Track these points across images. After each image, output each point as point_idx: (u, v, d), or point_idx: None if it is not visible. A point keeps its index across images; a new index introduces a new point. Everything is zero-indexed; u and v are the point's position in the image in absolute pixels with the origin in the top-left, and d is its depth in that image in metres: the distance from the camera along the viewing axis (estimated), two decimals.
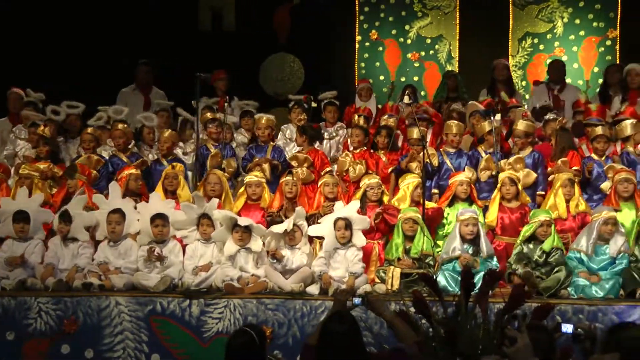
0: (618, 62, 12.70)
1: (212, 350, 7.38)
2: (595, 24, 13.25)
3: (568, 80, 12.52)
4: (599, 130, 9.45)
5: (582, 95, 11.71)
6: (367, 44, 13.83)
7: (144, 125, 10.51)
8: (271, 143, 10.11)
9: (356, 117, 10.63)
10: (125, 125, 10.14)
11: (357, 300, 5.90)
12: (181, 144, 10.55)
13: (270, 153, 9.95)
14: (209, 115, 10.45)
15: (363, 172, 9.49)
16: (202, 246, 8.31)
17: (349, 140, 10.33)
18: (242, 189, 9.17)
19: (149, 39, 12.83)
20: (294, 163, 9.66)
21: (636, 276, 7.64)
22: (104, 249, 8.31)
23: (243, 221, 8.18)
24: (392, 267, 8.00)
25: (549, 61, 12.64)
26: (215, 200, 8.61)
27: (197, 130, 9.66)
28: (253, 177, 9.13)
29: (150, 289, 7.79)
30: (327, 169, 9.70)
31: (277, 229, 8.15)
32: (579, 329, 5.20)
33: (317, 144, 10.34)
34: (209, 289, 7.88)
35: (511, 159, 9.30)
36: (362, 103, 11.52)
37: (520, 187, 8.76)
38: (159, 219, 8.26)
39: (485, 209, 8.83)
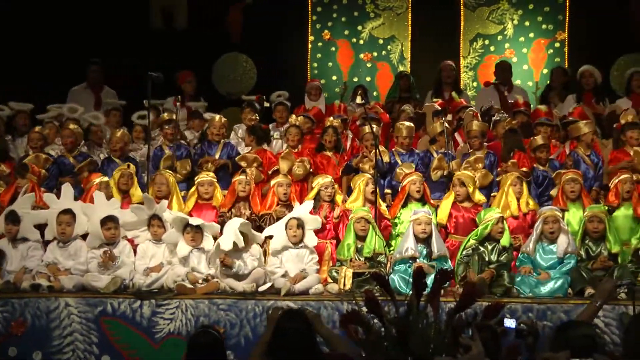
0: (567, 64, 12.91)
1: (164, 351, 7.34)
2: (544, 26, 13.42)
3: (517, 82, 12.67)
4: (539, 140, 9.49)
5: (525, 97, 11.85)
6: (319, 44, 13.85)
7: (91, 124, 10.40)
8: (223, 140, 10.07)
9: (294, 117, 10.65)
10: (77, 126, 10.03)
11: None
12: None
13: (220, 150, 9.92)
14: (165, 116, 10.39)
15: (307, 169, 9.51)
16: (153, 247, 8.26)
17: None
18: (193, 189, 9.13)
19: (101, 38, 12.71)
20: (242, 163, 9.63)
21: (584, 275, 7.75)
22: (53, 250, 8.20)
23: (194, 221, 8.15)
24: (344, 267, 8.02)
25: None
26: (165, 202, 8.56)
27: (149, 131, 9.59)
28: (205, 176, 9.10)
29: (101, 290, 7.71)
30: (275, 168, 9.70)
31: (226, 244, 8.09)
32: (521, 325, 5.26)
33: (265, 145, 10.31)
34: (160, 290, 7.83)
35: (471, 158, 9.38)
36: (312, 103, 11.53)
37: (471, 188, 8.80)
38: (110, 222, 8.17)
39: (438, 208, 8.89)
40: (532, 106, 11.29)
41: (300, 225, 8.15)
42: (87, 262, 8.09)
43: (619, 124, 9.86)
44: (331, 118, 10.62)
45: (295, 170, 9.50)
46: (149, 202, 8.41)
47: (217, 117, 10.22)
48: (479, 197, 8.82)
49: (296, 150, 9.94)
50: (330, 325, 7.05)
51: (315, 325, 5.61)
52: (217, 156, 9.86)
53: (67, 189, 8.73)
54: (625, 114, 9.96)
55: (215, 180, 9.15)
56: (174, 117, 10.20)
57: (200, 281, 7.88)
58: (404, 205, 8.91)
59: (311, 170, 9.56)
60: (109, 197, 8.80)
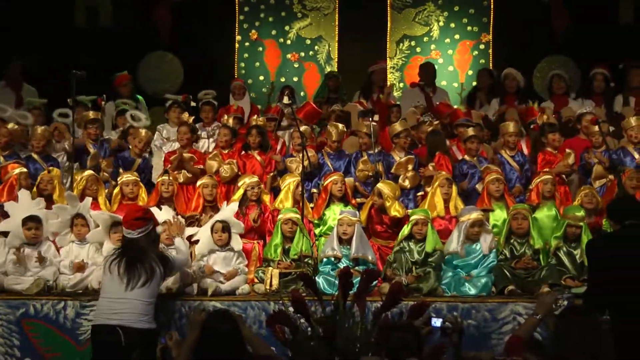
0: (491, 65, 13.11)
1: (89, 353, 7.21)
2: (469, 28, 13.62)
3: (443, 82, 12.83)
4: (470, 131, 9.72)
5: (448, 98, 12.03)
6: (247, 43, 13.82)
7: (17, 123, 10.19)
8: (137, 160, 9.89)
9: (225, 116, 10.62)
10: (15, 126, 9.84)
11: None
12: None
13: (137, 166, 9.78)
14: (91, 114, 10.25)
15: (235, 172, 9.48)
16: (77, 247, 8.08)
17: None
18: (117, 189, 9.02)
19: (25, 35, 12.47)
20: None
21: (507, 273, 7.86)
22: None
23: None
24: (270, 268, 8.01)
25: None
26: (89, 200, 8.41)
27: (73, 130, 9.44)
28: (129, 175, 9.00)
29: (23, 292, 7.56)
30: (200, 167, 9.65)
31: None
32: (446, 323, 5.33)
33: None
34: (85, 291, 7.69)
35: (403, 159, 9.46)
36: (236, 102, 11.50)
37: (388, 202, 8.75)
38: (31, 222, 7.96)
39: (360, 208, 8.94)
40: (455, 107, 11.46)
41: (226, 228, 8.11)
42: (5, 263, 7.88)
43: (537, 125, 10.06)
44: (255, 117, 10.61)
45: (222, 173, 9.47)
46: (73, 200, 8.27)
47: (143, 132, 10.03)
48: (394, 212, 8.62)
49: (226, 151, 9.89)
50: (257, 325, 7.06)
51: (238, 326, 5.61)
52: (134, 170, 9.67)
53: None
54: (542, 115, 10.17)
55: (140, 179, 9.07)
56: (99, 116, 10.06)
57: None
58: (327, 206, 8.95)
59: (239, 172, 9.53)
60: (28, 187, 8.70)
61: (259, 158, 9.89)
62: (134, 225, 6.82)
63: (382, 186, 8.69)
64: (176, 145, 10.15)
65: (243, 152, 10.00)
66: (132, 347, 6.46)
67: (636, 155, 9.35)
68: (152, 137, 10.21)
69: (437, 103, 11.46)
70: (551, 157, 9.56)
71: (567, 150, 9.51)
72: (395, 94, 13.05)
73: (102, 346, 6.53)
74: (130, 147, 9.94)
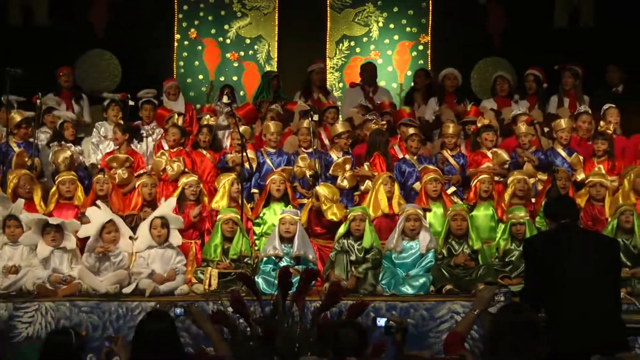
0: (430, 66, 13.22)
1: (22, 356, 7.10)
2: (408, 29, 13.70)
3: (382, 83, 12.89)
4: (411, 129, 9.79)
5: (390, 98, 12.09)
6: (186, 42, 13.71)
7: None
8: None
9: (176, 115, 10.55)
10: None
11: (178, 311, 5.81)
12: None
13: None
14: (17, 117, 10.01)
15: (181, 170, 9.42)
16: (10, 249, 7.95)
17: (163, 139, 10.19)
18: (54, 188, 8.89)
19: None
20: (114, 164, 9.45)
21: (445, 273, 7.94)
22: None
23: (54, 220, 7.94)
24: (209, 268, 7.98)
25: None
26: (21, 201, 8.27)
27: (8, 129, 9.27)
28: (66, 175, 8.89)
29: None
30: (142, 171, 9.58)
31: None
32: (390, 322, 5.36)
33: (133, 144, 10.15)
34: (19, 292, 7.56)
35: (340, 160, 9.49)
36: (170, 103, 11.41)
37: (325, 206, 8.76)
38: None
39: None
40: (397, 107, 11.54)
41: (165, 224, 8.06)
42: None
43: (476, 126, 10.18)
44: (207, 116, 10.55)
45: (169, 171, 9.41)
46: (5, 201, 8.12)
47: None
48: (331, 216, 8.69)
49: (174, 150, 9.82)
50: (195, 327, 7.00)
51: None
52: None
53: None
54: (481, 118, 10.29)
55: (77, 178, 8.94)
56: (26, 115, 9.89)
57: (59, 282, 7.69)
58: (266, 205, 8.94)
59: (186, 170, 9.48)
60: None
61: (209, 156, 9.86)
62: None
63: (321, 189, 8.73)
64: (112, 144, 10.09)
65: (193, 150, 9.98)
66: None
67: (566, 156, 9.55)
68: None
69: (378, 102, 11.52)
70: (479, 156, 9.69)
71: (496, 150, 9.62)
72: (335, 94, 13.07)
73: None
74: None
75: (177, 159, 9.52)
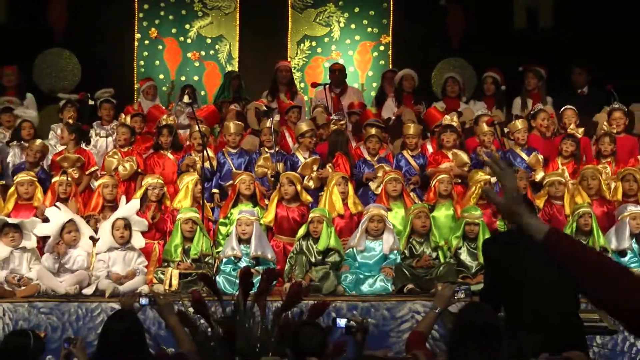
0: (391, 66, 13.25)
1: None
2: (369, 29, 13.74)
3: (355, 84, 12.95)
4: (372, 130, 9.82)
5: (360, 98, 12.12)
6: (146, 42, 13.62)
7: None
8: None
9: (123, 115, 10.50)
10: None
11: (144, 301, 5.79)
12: None
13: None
14: None
15: (134, 169, 9.38)
16: None
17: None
18: (12, 189, 8.80)
19: None
20: (64, 164, 9.36)
21: (406, 272, 7.98)
22: None
23: (13, 220, 7.88)
24: (170, 268, 7.95)
25: (326, 64, 13.04)
26: None
27: None
28: (25, 175, 8.81)
29: None
30: (93, 169, 9.52)
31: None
32: (351, 322, 5.38)
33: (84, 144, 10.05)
34: None
35: (309, 160, 9.49)
36: (148, 102, 11.38)
37: (299, 187, 8.88)
38: None
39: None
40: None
41: (127, 225, 8.01)
42: None
43: (441, 127, 10.23)
44: (165, 117, 10.50)
45: (121, 170, 9.34)
46: None
47: (38, 141, 9.67)
48: (306, 196, 8.90)
49: (125, 149, 9.75)
50: (156, 326, 6.97)
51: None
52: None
53: None
54: (444, 118, 10.35)
55: (36, 179, 8.86)
56: None
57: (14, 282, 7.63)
58: (235, 205, 8.92)
59: (139, 170, 9.42)
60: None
61: (172, 157, 9.81)
62: None
63: (289, 173, 8.91)
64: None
65: (154, 152, 9.92)
66: None
67: (524, 157, 9.63)
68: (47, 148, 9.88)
69: (349, 102, 11.56)
70: (439, 157, 9.72)
71: (456, 152, 9.67)
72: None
73: None
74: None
75: (129, 159, 9.46)
